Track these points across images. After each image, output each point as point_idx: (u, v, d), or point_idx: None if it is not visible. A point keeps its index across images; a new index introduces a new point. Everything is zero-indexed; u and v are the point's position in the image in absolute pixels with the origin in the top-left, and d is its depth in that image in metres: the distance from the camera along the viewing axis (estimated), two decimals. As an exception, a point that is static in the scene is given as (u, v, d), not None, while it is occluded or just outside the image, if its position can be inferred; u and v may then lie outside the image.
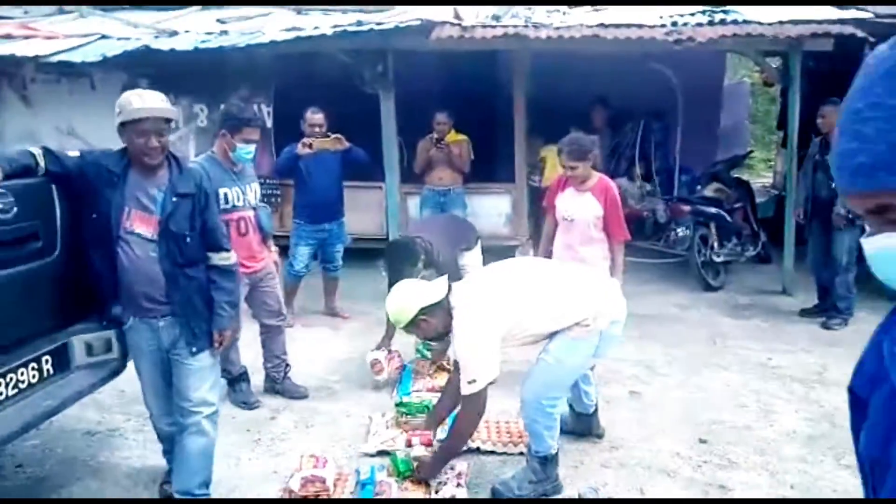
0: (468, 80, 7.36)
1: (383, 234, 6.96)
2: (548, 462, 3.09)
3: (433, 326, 3.00)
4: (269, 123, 7.04)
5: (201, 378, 2.82)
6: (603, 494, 3.12)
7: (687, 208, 6.45)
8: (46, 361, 2.73)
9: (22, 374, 2.60)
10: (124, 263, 2.68)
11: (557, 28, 6.00)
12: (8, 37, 7.04)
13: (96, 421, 3.79)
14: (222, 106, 3.99)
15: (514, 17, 6.58)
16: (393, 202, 6.77)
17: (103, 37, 6.81)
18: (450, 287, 3.03)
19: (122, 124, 2.64)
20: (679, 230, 6.44)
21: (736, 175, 7.38)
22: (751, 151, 7.81)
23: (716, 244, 6.40)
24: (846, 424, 3.33)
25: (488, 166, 6.94)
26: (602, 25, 6.02)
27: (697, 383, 4.38)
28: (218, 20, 7.29)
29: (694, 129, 8.16)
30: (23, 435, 2.65)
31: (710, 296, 6.23)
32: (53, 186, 2.83)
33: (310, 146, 5.12)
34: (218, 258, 2.82)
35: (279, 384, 4.21)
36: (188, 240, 2.70)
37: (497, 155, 7.07)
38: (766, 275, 6.71)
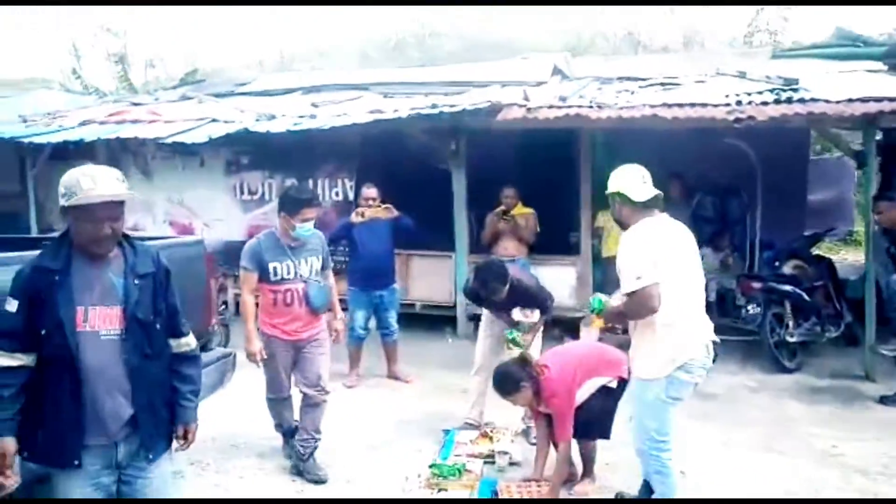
0: (538, 156, 7.65)
1: (451, 302, 7.24)
2: None
3: (618, 210, 3.39)
4: (351, 197, 7.61)
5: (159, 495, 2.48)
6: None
7: (757, 285, 6.29)
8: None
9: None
10: (84, 377, 2.26)
11: (620, 108, 6.22)
12: (136, 121, 8.12)
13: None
14: (285, 185, 4.38)
15: (581, 97, 6.86)
16: (462, 271, 7.04)
17: (213, 120, 7.69)
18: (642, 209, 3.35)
19: (67, 208, 2.27)
20: (750, 307, 6.28)
21: (817, 252, 7.13)
22: (831, 229, 7.51)
23: (791, 323, 6.17)
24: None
25: (555, 238, 7.10)
26: (665, 105, 6.19)
27: (750, 467, 4.24)
28: (312, 104, 8.05)
29: (777, 204, 7.99)
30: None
31: (784, 378, 5.97)
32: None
33: (362, 214, 5.61)
34: (179, 345, 2.55)
35: (303, 462, 4.08)
36: (157, 326, 2.42)
37: (564, 227, 7.24)
38: (850, 358, 6.34)
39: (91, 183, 2.25)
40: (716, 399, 5.47)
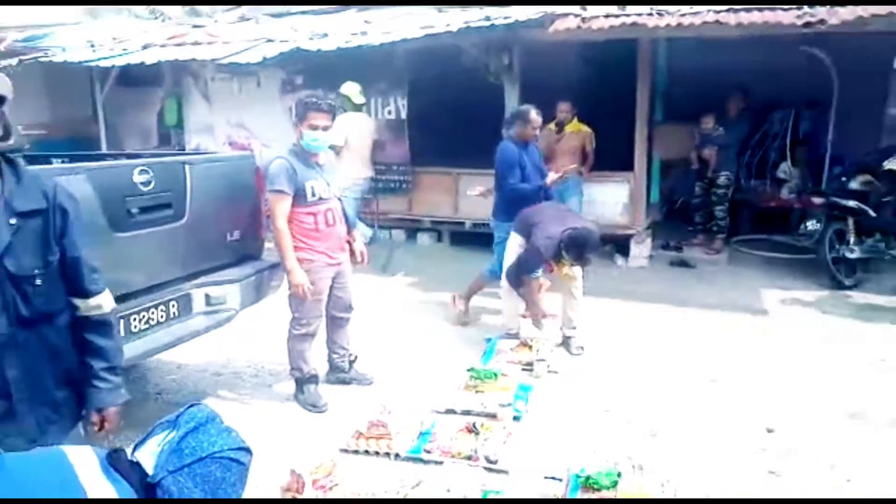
0: (597, 69, 7.42)
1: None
2: None
3: None
4: (404, 115, 7.63)
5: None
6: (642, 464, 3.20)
7: (819, 200, 6.05)
8: (173, 306, 3.42)
9: (152, 313, 3.30)
10: None
11: (682, 14, 5.90)
12: (195, 43, 8.28)
13: (222, 364, 4.56)
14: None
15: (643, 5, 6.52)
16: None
17: (268, 40, 7.75)
18: None
19: None
20: (809, 223, 6.06)
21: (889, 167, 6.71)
22: (902, 142, 7.04)
23: (852, 239, 5.95)
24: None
25: (609, 155, 6.95)
26: (731, 10, 5.83)
27: (783, 379, 4.22)
28: (365, 21, 7.98)
29: (853, 118, 7.54)
30: (145, 359, 3.32)
31: (840, 294, 5.83)
32: (186, 166, 3.53)
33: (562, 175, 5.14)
34: (87, 306, 1.95)
35: (345, 373, 4.21)
36: (37, 282, 1.81)
37: (619, 144, 7.06)
38: (918, 276, 6.10)
39: None
40: (761, 314, 5.43)
